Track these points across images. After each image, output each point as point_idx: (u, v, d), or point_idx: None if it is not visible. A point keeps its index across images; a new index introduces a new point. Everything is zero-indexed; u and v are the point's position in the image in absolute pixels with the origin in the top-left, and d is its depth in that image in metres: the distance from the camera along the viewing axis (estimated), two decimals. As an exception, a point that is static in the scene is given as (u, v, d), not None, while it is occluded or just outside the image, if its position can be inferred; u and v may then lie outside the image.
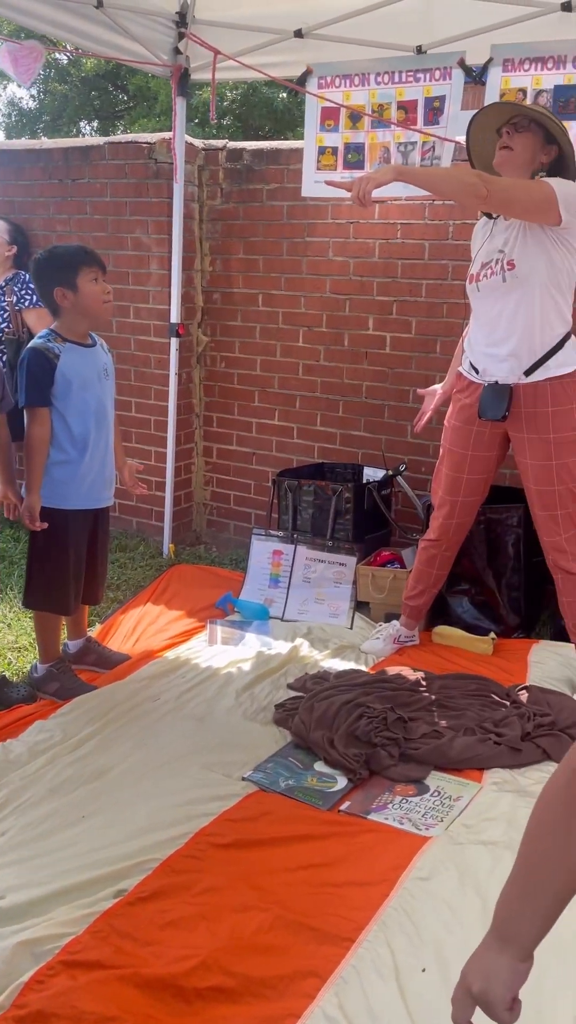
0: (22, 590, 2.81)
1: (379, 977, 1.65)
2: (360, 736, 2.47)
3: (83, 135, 16.53)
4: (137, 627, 3.32)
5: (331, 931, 1.77)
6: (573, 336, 2.74)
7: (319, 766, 2.42)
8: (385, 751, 2.43)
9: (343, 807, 2.24)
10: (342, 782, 2.34)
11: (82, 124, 16.70)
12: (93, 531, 2.79)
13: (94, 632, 3.21)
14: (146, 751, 2.42)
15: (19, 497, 2.66)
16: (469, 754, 2.44)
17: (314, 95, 3.56)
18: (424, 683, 2.84)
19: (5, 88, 17.21)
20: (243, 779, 2.33)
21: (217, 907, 1.83)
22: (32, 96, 17.27)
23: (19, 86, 16.20)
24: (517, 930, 0.89)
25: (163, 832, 2.05)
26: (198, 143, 4.16)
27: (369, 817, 2.20)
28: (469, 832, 2.11)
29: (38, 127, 16.69)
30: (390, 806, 2.25)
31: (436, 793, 2.31)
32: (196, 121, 14.32)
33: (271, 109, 14.52)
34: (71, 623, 2.99)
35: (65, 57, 15.79)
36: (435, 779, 2.37)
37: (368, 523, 3.67)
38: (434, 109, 3.35)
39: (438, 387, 3.14)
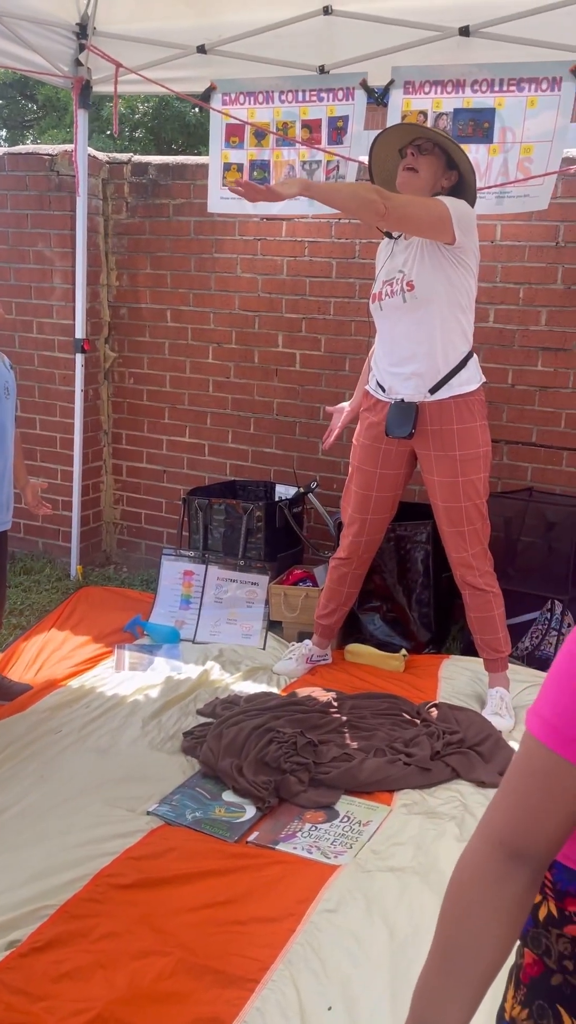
0: None
1: (284, 1019, 1.60)
2: (269, 762, 2.42)
3: (-9, 144, 16.12)
4: (40, 654, 3.19)
5: (235, 972, 1.71)
6: (475, 354, 2.77)
7: (227, 795, 2.36)
8: (295, 777, 2.39)
9: (251, 838, 2.19)
10: (251, 811, 2.29)
11: (-10, 133, 16.32)
12: (-11, 557, 2.67)
13: (-6, 662, 3.07)
14: (46, 788, 2.32)
15: None
16: (379, 776, 2.42)
17: (218, 111, 3.53)
18: (335, 704, 2.81)
19: None
20: (148, 813, 2.25)
21: (116, 954, 1.75)
22: None
23: None
24: (442, 1020, 0.82)
25: (61, 875, 1.96)
26: (102, 156, 4.07)
27: (277, 848, 2.15)
28: (377, 858, 2.09)
29: (-57, 135, 16.23)
30: (299, 834, 2.20)
31: (346, 818, 2.28)
32: (108, 133, 14.16)
33: (183, 123, 14.49)
34: (-32, 654, 2.85)
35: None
36: (345, 804, 2.34)
37: (280, 541, 3.64)
38: (337, 128, 3.36)
39: (346, 405, 3.14)
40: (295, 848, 2.14)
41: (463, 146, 2.74)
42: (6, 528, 2.71)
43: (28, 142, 15.23)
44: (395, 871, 2.02)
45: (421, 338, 2.69)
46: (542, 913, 0.88)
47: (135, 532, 4.43)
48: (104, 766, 2.44)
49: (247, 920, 1.86)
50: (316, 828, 2.23)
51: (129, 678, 3.03)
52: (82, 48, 3.70)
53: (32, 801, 2.25)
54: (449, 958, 0.82)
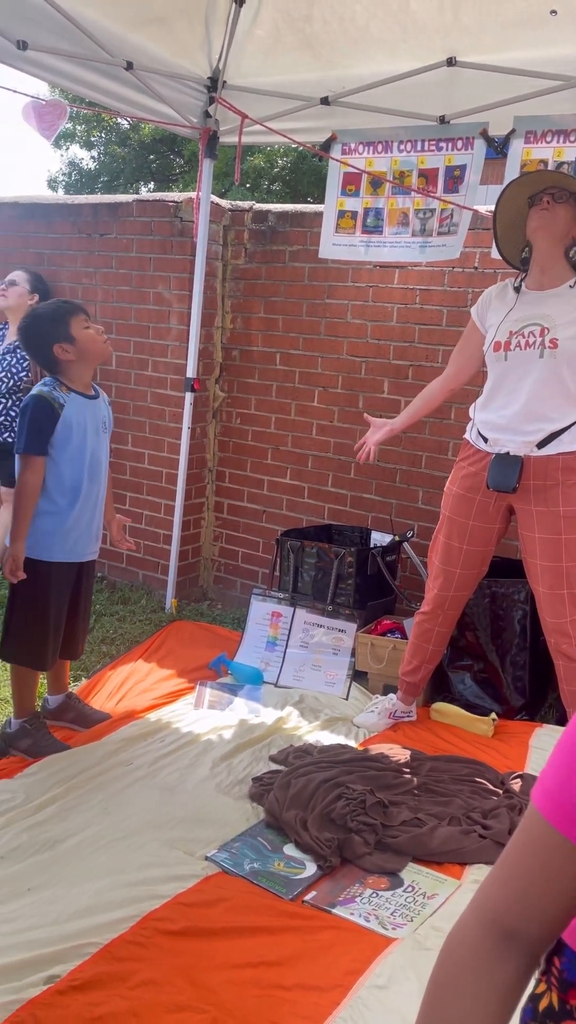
0: (1, 641, 2.74)
1: None
2: (335, 819, 2.33)
3: (137, 194, 17.07)
4: (124, 685, 3.22)
5: (271, 1042, 1.62)
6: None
7: (289, 849, 2.27)
8: (360, 837, 2.28)
9: (308, 897, 2.09)
10: (311, 869, 2.19)
11: (139, 186, 17.27)
12: (76, 585, 2.72)
13: (78, 688, 3.12)
14: (107, 821, 2.30)
15: None
16: (451, 846, 2.28)
17: (337, 160, 3.57)
18: (412, 764, 2.68)
19: (67, 149, 17.93)
20: (206, 858, 2.20)
21: (151, 1004, 1.69)
22: (92, 157, 17.97)
23: (49, 143, 16.84)
24: None
25: (109, 913, 1.92)
26: (224, 203, 4.20)
27: (334, 911, 2.04)
28: (438, 936, 1.95)
29: (96, 187, 17.31)
30: (358, 900, 2.09)
31: (410, 888, 2.15)
32: (248, 185, 14.72)
33: (319, 176, 14.88)
34: (51, 677, 2.90)
35: (126, 123, 16.43)
36: (411, 872, 2.21)
37: (371, 589, 3.55)
38: (454, 178, 3.33)
39: (387, 421, 3.07)
40: (352, 914, 2.03)
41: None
42: (94, 558, 2.76)
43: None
44: (455, 953, 1.87)
45: (547, 394, 2.59)
46: (543, 1004, 0.78)
47: (231, 570, 4.44)
48: (168, 805, 2.41)
49: (291, 986, 1.77)
50: (377, 895, 2.11)
51: (206, 716, 3.01)
52: (211, 100, 3.85)
53: (92, 833, 2.24)
54: None
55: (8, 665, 2.77)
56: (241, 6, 3.33)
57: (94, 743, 2.74)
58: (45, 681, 2.95)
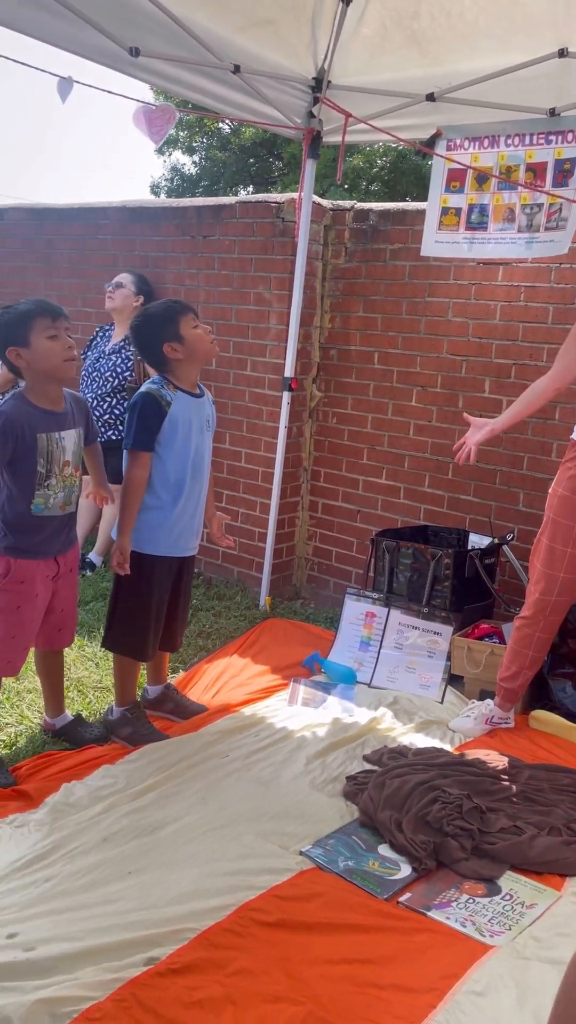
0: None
1: None
2: (431, 822, 2.30)
3: (235, 198, 17.25)
4: (220, 678, 3.26)
5: (366, 1039, 1.61)
6: None
7: (383, 849, 2.26)
8: (457, 842, 2.24)
9: (402, 899, 2.07)
10: (406, 870, 2.18)
11: (239, 189, 17.49)
12: (177, 579, 2.78)
13: (175, 679, 3.18)
14: (204, 810, 2.34)
15: (110, 492, 2.69)
16: (551, 856, 2.22)
17: (442, 156, 3.53)
18: (510, 772, 2.62)
19: (170, 155, 18.33)
20: (300, 853, 2.21)
21: (248, 992, 1.71)
22: (194, 162, 18.32)
23: (155, 148, 17.20)
24: None
25: (206, 901, 1.96)
26: (326, 203, 4.21)
27: (429, 914, 2.02)
28: (538, 946, 1.90)
29: (197, 191, 17.62)
30: (454, 904, 2.06)
31: (508, 896, 2.10)
32: (346, 186, 14.70)
33: (419, 176, 14.73)
34: (151, 668, 2.97)
35: (228, 126, 16.69)
36: (509, 880, 2.17)
37: (469, 592, 3.50)
38: (564, 171, 3.24)
39: (488, 421, 2.99)
40: (448, 918, 2.00)
41: None
42: (194, 553, 2.81)
43: (268, 195, 16.11)
44: (556, 964, 1.82)
45: None
46: None
47: (325, 569, 4.45)
48: (263, 798, 2.43)
49: (386, 985, 1.76)
50: (474, 901, 2.08)
51: (300, 713, 3.02)
52: (315, 101, 3.86)
53: (190, 821, 2.29)
54: None
55: (111, 655, 2.85)
56: (348, 5, 3.33)
57: (191, 734, 2.79)
58: (145, 672, 3.02)
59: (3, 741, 2.72)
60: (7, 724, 2.83)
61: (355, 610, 3.56)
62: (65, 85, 2.90)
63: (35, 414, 2.40)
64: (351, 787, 2.52)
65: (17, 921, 1.85)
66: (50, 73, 2.89)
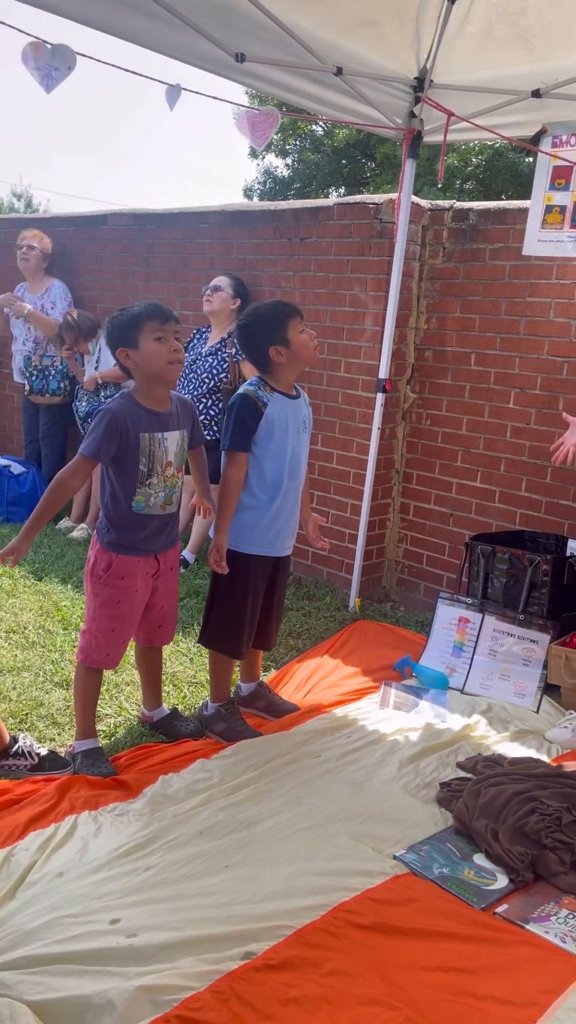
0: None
1: None
2: (528, 833, 2.25)
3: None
4: (311, 678, 3.28)
5: (464, 1050, 1.59)
6: None
7: (479, 859, 2.23)
8: (556, 855, 2.19)
9: (499, 910, 2.04)
10: (502, 881, 2.14)
11: (330, 191, 17.51)
12: (272, 579, 2.80)
13: (268, 678, 3.21)
14: (298, 809, 2.36)
15: (214, 504, 2.73)
16: None
17: (547, 153, 3.45)
18: (611, 786, 2.54)
19: (263, 159, 18.50)
20: (394, 857, 2.19)
21: (344, 993, 1.71)
22: (287, 165, 18.44)
23: (256, 152, 17.33)
24: None
25: (301, 899, 1.97)
26: (424, 203, 4.17)
27: (527, 927, 1.98)
28: None
29: (289, 194, 17.73)
30: (553, 919, 2.01)
31: (609, 915, 2.04)
32: (439, 186, 14.54)
33: (515, 174, 14.43)
34: (244, 666, 3.01)
35: (321, 128, 16.72)
36: (610, 898, 2.10)
37: (567, 600, 3.41)
38: None
39: None
40: (547, 933, 1.96)
41: None
42: (289, 553, 2.82)
43: (359, 196, 16.09)
44: None
45: None
46: None
47: (415, 572, 4.41)
48: (356, 800, 2.43)
49: (484, 996, 1.73)
50: (574, 916, 2.03)
51: (392, 716, 3.00)
52: (416, 100, 3.83)
53: (284, 819, 2.30)
54: None
55: (205, 650, 2.90)
56: (454, 4, 3.30)
57: (284, 732, 2.81)
58: (239, 669, 3.06)
59: (103, 732, 2.80)
60: (107, 715, 2.91)
61: (448, 614, 3.52)
62: (173, 92, 2.96)
63: (140, 413, 2.46)
64: (445, 793, 2.49)
65: (119, 907, 1.90)
66: (159, 81, 2.96)
